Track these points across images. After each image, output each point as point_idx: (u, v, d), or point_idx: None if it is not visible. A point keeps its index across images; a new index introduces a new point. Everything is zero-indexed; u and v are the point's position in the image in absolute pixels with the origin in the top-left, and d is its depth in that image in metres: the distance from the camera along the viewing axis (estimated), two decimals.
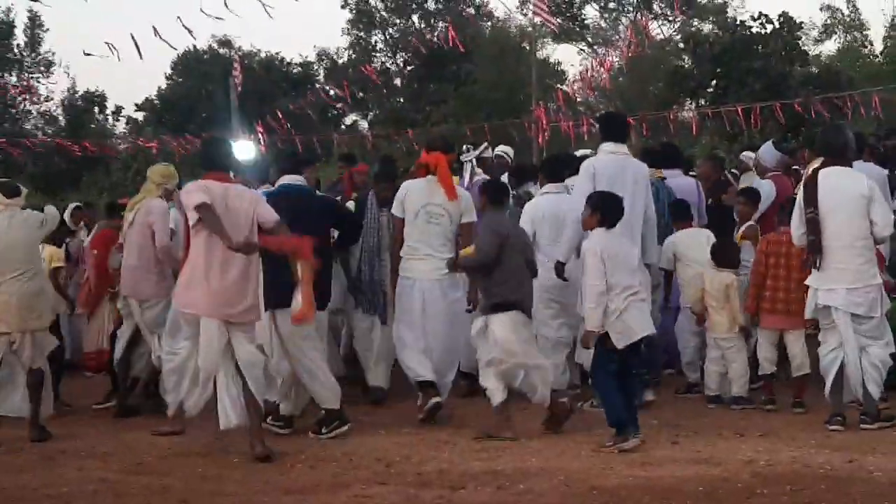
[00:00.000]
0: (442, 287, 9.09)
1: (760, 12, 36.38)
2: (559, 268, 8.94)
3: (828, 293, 8.24)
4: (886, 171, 10.64)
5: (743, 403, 9.33)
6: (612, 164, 9.03)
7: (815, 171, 8.58)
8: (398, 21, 51.81)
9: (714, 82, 36.58)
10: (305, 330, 8.28)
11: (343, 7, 51.19)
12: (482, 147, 12.76)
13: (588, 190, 8.71)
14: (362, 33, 51.69)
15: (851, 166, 8.69)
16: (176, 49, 15.70)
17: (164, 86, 51.77)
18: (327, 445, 8.19)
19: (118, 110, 47.82)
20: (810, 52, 41.54)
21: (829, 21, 45.85)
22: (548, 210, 9.50)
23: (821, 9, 46.37)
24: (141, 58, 13.73)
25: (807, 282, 8.55)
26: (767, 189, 10.92)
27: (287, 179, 9.05)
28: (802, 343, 9.20)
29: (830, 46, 46.08)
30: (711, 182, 11.77)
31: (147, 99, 51.12)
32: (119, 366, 9.72)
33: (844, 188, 8.31)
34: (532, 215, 9.51)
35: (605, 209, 8.06)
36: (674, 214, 10.26)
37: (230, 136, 24.06)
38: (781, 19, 36.04)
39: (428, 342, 9.10)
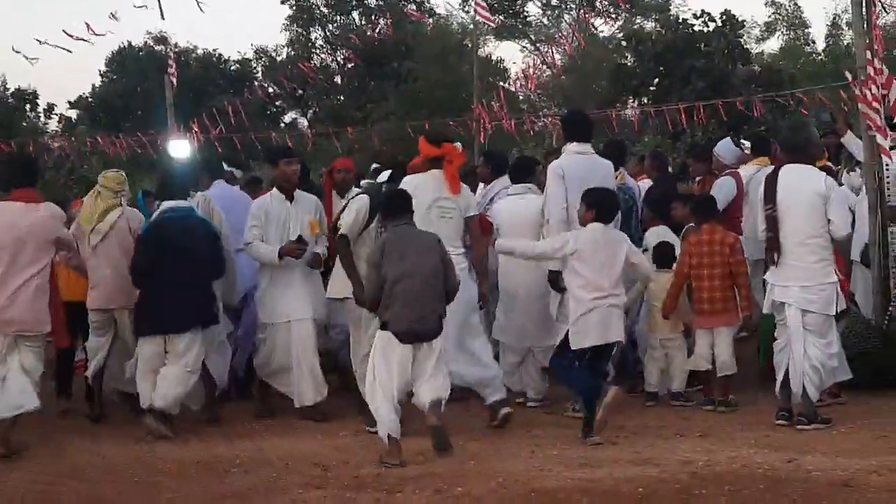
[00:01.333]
0: (462, 280, 8.64)
1: (703, 10, 36.60)
2: (553, 277, 8.77)
3: (783, 290, 8.32)
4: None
5: (681, 400, 9.44)
6: (580, 164, 8.98)
7: (777, 168, 8.68)
8: (338, 17, 51.58)
9: (657, 80, 36.73)
10: None
11: (283, 3, 50.88)
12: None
13: (560, 192, 8.78)
14: (302, 30, 51.41)
15: (814, 164, 8.69)
16: (104, 35, 15.33)
17: (98, 83, 51.22)
18: (263, 450, 8.11)
19: (50, 108, 47.23)
20: (753, 51, 41.88)
21: (772, 18, 46.20)
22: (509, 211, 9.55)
23: (765, 4, 46.71)
24: (70, 52, 13.45)
25: (764, 277, 8.69)
26: (729, 186, 10.91)
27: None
28: (729, 342, 9.25)
29: (773, 45, 46.48)
30: (654, 179, 11.73)
31: (81, 97, 50.55)
32: (96, 378, 9.48)
33: (802, 186, 8.36)
34: (497, 218, 9.58)
35: (600, 205, 8.17)
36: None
37: (166, 135, 23.78)
38: (724, 17, 36.25)
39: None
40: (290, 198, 9.42)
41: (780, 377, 8.41)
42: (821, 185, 8.32)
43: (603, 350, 8.00)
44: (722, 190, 10.77)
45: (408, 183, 8.73)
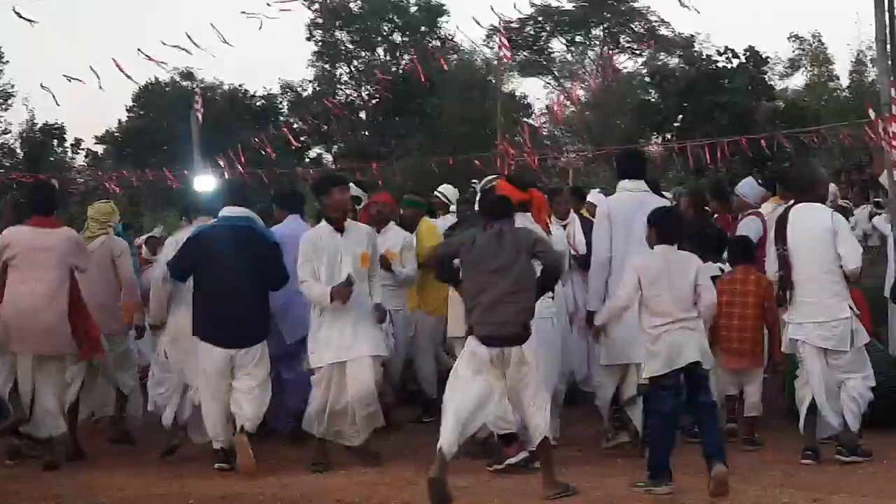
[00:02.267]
0: (553, 324, 8.67)
1: (727, 47, 36.66)
2: (590, 317, 8.81)
3: (797, 327, 8.31)
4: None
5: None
6: (627, 203, 8.94)
7: (787, 208, 8.70)
8: (364, 54, 51.83)
9: (680, 116, 36.74)
10: None
11: (308, 39, 51.19)
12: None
13: (605, 231, 8.78)
14: (327, 66, 51.65)
15: (823, 202, 8.69)
16: (133, 79, 15.48)
17: (125, 118, 51.53)
18: (287, 486, 8.06)
19: (77, 143, 47.49)
20: (777, 87, 41.84)
21: (795, 53, 46.10)
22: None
23: (788, 38, 46.63)
24: (101, 88, 13.60)
25: (783, 316, 8.67)
26: (756, 227, 10.74)
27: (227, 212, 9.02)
28: (759, 384, 9.26)
29: (797, 81, 46.36)
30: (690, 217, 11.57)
31: (108, 131, 50.83)
32: (72, 409, 9.54)
33: (810, 223, 8.38)
34: None
35: (663, 224, 7.86)
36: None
37: (192, 170, 23.89)
38: (748, 54, 36.28)
39: None
40: (341, 229, 8.87)
41: (802, 415, 8.39)
42: (828, 221, 8.34)
43: (689, 376, 7.52)
44: (750, 231, 10.64)
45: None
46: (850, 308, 8.27)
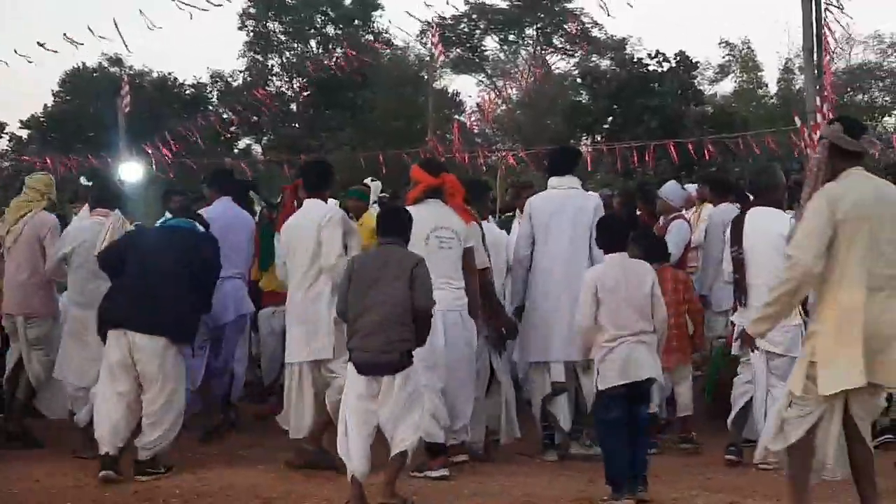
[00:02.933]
0: (462, 317, 8.31)
1: (658, 50, 36.98)
2: (517, 312, 8.84)
3: None
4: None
5: None
6: (551, 200, 8.93)
7: (743, 210, 8.79)
8: (296, 45, 51.55)
9: (610, 118, 37.00)
10: None
11: (240, 29, 50.81)
12: None
13: (527, 230, 8.77)
14: (259, 56, 51.32)
15: (781, 207, 8.77)
16: (56, 52, 15.23)
17: (51, 103, 50.77)
18: (205, 480, 7.94)
19: (1, 127, 46.70)
20: (706, 92, 42.31)
21: (725, 59, 46.67)
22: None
23: (719, 44, 47.22)
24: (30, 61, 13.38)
25: (732, 318, 8.77)
26: (685, 229, 10.85)
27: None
28: (688, 383, 9.30)
29: (726, 87, 46.93)
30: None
31: (33, 116, 50.05)
32: (7, 386, 9.38)
33: (766, 227, 8.43)
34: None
35: (611, 234, 7.68)
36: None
37: (118, 158, 23.62)
38: (678, 58, 36.61)
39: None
40: None
41: (734, 411, 8.46)
42: (785, 226, 8.25)
43: (634, 387, 7.32)
44: (680, 233, 10.68)
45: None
46: (800, 315, 8.29)
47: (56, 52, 13.97)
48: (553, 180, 9.10)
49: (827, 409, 5.82)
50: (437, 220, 8.26)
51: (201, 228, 8.72)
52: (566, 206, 8.86)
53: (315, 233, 8.13)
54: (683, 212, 11.45)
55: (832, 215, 5.80)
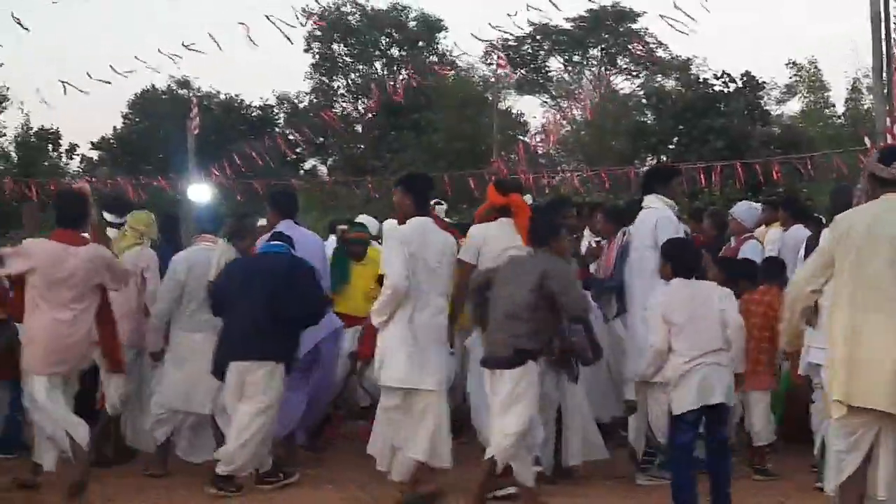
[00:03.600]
0: None
1: (724, 71, 36.81)
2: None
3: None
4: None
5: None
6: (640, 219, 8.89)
7: (818, 232, 8.58)
8: (361, 67, 51.94)
9: (676, 139, 36.80)
10: None
11: (306, 51, 51.32)
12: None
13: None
14: (325, 78, 51.76)
15: None
16: (126, 76, 15.45)
17: (120, 125, 51.52)
18: (274, 500, 7.96)
19: (73, 148, 47.39)
20: (773, 112, 41.97)
21: (792, 80, 46.30)
22: None
23: (786, 65, 46.87)
24: (105, 82, 13.57)
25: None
26: (759, 250, 10.64)
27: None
28: (764, 410, 9.00)
29: (794, 107, 46.54)
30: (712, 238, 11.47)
31: (103, 138, 50.81)
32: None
33: None
34: None
35: (678, 257, 7.59)
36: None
37: (186, 178, 23.89)
38: (745, 78, 36.39)
39: None
40: None
41: (818, 441, 8.17)
42: None
43: (711, 410, 7.24)
44: (755, 254, 10.43)
45: (477, 231, 8.49)
46: None
47: (127, 75, 14.15)
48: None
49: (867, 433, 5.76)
50: (509, 241, 8.23)
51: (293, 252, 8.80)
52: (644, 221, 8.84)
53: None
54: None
55: (832, 239, 5.99)
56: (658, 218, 8.68)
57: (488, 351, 7.56)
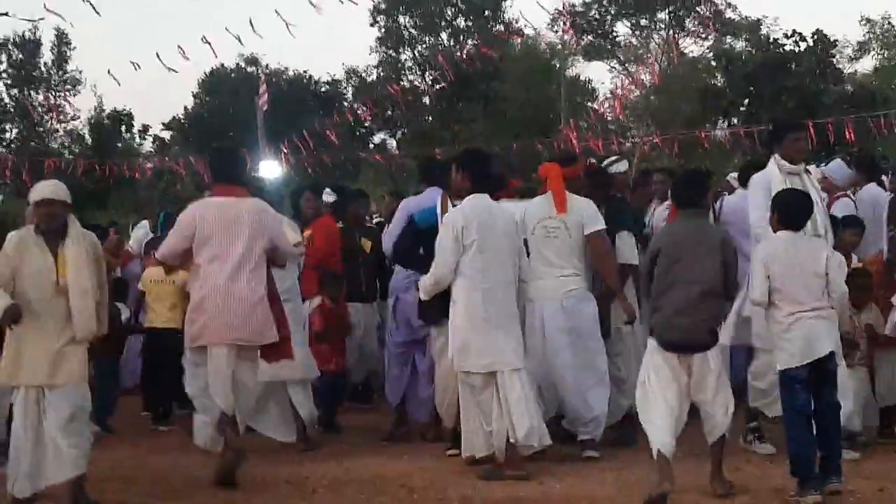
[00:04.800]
0: (564, 306, 8.24)
1: (794, 30, 36.33)
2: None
3: None
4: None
5: None
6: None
7: None
8: (427, 39, 51.88)
9: (746, 101, 36.39)
10: None
11: (372, 25, 51.40)
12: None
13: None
14: (391, 51, 51.79)
15: None
16: (188, 60, 15.59)
17: (191, 105, 52.00)
18: (350, 469, 8.07)
19: (145, 129, 47.95)
20: (845, 70, 41.29)
21: (865, 37, 45.48)
22: None
23: (859, 21, 46.07)
24: (172, 70, 13.70)
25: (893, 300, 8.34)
26: (851, 208, 10.23)
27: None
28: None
29: (867, 64, 45.74)
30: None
31: (174, 118, 51.32)
32: None
33: None
34: None
35: (787, 208, 7.15)
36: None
37: (258, 156, 24.10)
38: (815, 37, 35.86)
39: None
40: None
41: None
42: None
43: (820, 370, 6.86)
44: (847, 212, 9.98)
45: (522, 207, 8.46)
46: None
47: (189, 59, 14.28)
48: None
49: None
50: (543, 212, 8.29)
51: None
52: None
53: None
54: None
55: None
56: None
57: (676, 335, 6.95)
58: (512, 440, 7.58)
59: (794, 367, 6.77)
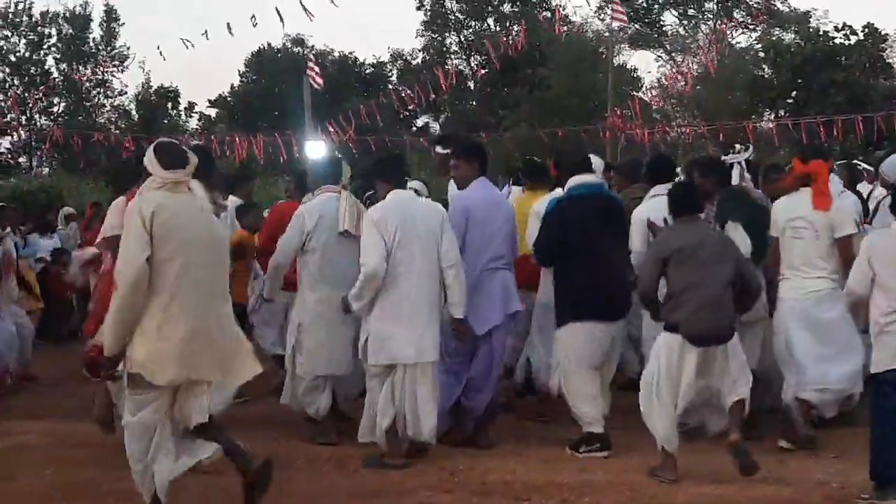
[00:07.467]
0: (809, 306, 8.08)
1: (844, 23, 35.93)
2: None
3: None
4: None
5: None
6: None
7: None
8: (473, 24, 51.82)
9: (794, 93, 36.11)
10: None
11: (418, 9, 51.41)
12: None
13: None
14: (437, 35, 51.77)
15: None
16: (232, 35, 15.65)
17: (237, 83, 52.22)
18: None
19: (191, 106, 48.21)
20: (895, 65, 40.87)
21: None
22: None
23: None
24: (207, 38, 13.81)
25: None
26: None
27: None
28: None
29: None
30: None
31: (220, 96, 51.55)
32: None
33: None
34: None
35: None
36: None
37: (302, 135, 24.17)
38: (866, 30, 35.50)
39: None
40: None
41: None
42: None
43: None
44: None
45: (776, 204, 8.33)
46: None
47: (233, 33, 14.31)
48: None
49: None
50: (794, 211, 8.13)
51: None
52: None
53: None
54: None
55: None
56: None
57: (704, 329, 7.03)
58: (411, 433, 7.66)
59: (890, 370, 6.59)
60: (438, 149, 9.32)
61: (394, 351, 7.60)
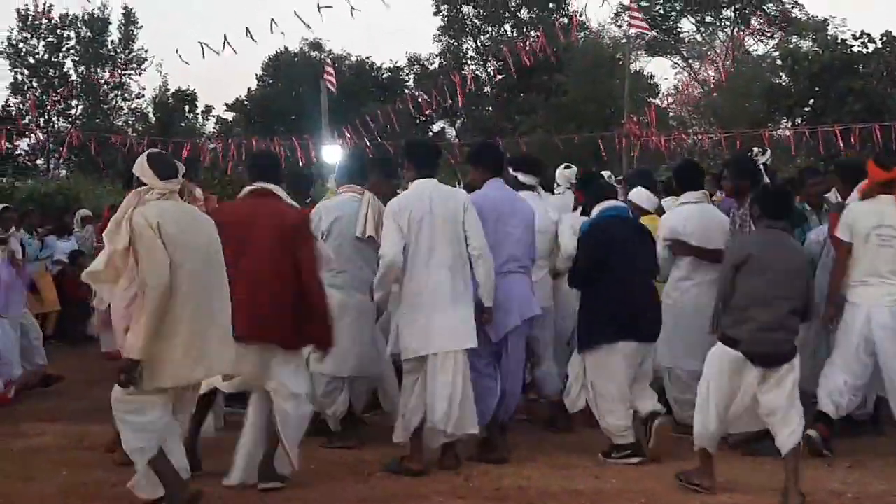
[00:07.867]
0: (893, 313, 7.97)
1: (862, 31, 35.80)
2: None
3: None
4: None
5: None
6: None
7: None
8: (490, 29, 51.84)
9: (811, 101, 36.02)
10: None
11: (435, 14, 51.43)
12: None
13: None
14: (453, 40, 51.79)
15: None
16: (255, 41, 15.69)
17: (254, 87, 52.30)
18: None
19: (208, 110, 48.35)
20: None
21: None
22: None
23: None
24: (235, 52, 13.83)
25: None
26: None
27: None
28: None
29: None
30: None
31: (237, 99, 51.62)
32: None
33: None
34: None
35: None
36: None
37: (319, 139, 24.22)
38: (884, 39, 35.39)
39: None
40: None
41: None
42: None
43: None
44: None
45: (853, 209, 8.22)
46: None
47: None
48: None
49: None
50: (881, 218, 8.03)
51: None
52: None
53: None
54: None
55: None
56: None
57: (767, 349, 6.81)
58: (451, 430, 7.52)
59: None
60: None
61: (418, 342, 7.50)
